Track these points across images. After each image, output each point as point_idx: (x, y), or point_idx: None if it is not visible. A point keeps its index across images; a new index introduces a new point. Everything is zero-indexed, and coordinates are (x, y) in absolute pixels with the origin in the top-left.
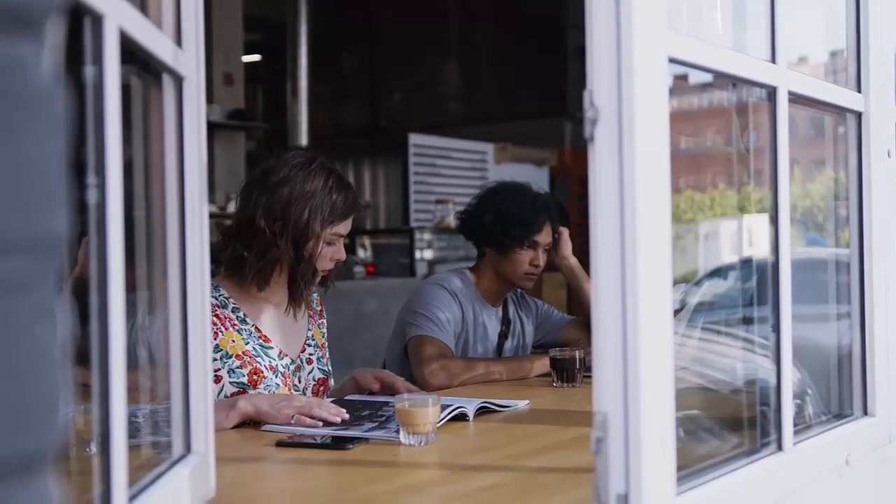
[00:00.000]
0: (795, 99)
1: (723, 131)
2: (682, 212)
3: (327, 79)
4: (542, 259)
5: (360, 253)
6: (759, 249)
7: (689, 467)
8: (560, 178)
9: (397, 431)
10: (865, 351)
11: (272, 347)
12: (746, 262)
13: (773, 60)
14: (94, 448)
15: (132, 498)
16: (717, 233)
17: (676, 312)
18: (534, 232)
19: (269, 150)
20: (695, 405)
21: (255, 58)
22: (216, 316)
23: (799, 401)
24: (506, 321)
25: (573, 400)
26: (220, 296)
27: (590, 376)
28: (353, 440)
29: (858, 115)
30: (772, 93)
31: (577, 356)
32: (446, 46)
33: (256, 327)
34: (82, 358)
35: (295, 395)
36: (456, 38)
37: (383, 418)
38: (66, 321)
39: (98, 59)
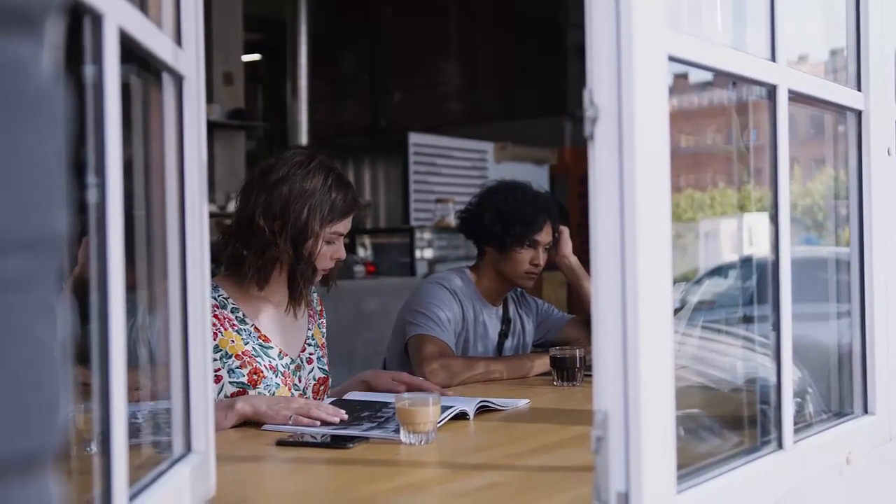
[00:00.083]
0: (795, 97)
1: (723, 130)
2: (682, 210)
3: (327, 78)
4: (542, 258)
5: (361, 252)
6: (760, 248)
7: (690, 466)
8: (560, 178)
9: (396, 431)
10: (866, 349)
11: (272, 347)
12: (746, 261)
13: (773, 59)
14: (94, 447)
15: (133, 497)
16: (718, 231)
17: (677, 311)
18: (534, 231)
19: (269, 149)
20: (695, 404)
21: (255, 57)
22: (215, 316)
23: (799, 399)
24: (506, 320)
25: (573, 399)
26: (219, 296)
27: (590, 375)
28: (353, 439)
29: (858, 114)
30: (772, 91)
31: (578, 355)
32: (446, 46)
33: (256, 327)
34: (83, 357)
35: (293, 397)
36: (456, 37)
37: (382, 419)
38: (66, 320)
39: (98, 59)
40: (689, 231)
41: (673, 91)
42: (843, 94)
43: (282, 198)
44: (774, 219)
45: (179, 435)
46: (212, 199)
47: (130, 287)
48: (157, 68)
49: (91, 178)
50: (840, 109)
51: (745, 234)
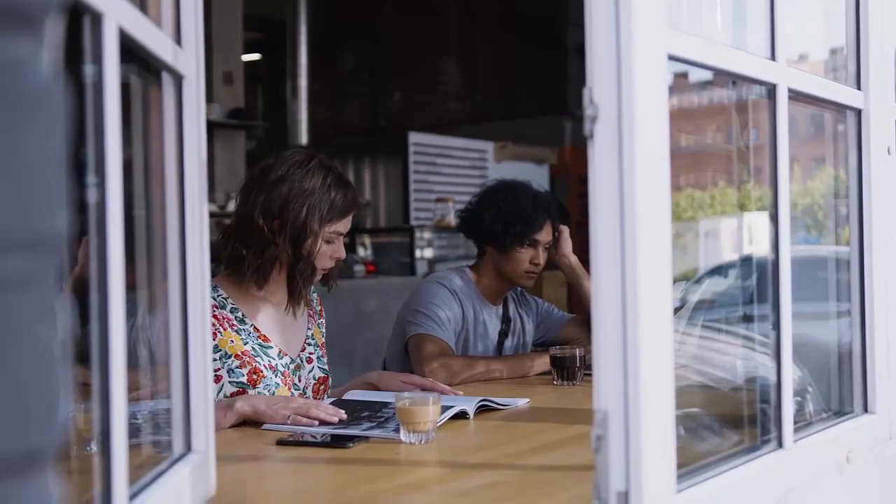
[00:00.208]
0: (795, 96)
1: (723, 129)
2: (682, 210)
3: (327, 78)
4: (542, 257)
5: (361, 252)
6: (760, 247)
7: (690, 465)
8: (560, 177)
9: (396, 431)
10: (865, 348)
11: (271, 347)
12: (746, 260)
13: (773, 58)
14: (94, 447)
15: (133, 496)
16: (718, 231)
17: (677, 310)
18: (534, 230)
19: (269, 149)
20: (695, 403)
21: (255, 57)
22: (214, 317)
23: (799, 398)
24: (506, 319)
25: (573, 398)
26: (218, 296)
27: (590, 374)
28: (353, 439)
29: (858, 112)
30: (771, 90)
31: (578, 354)
32: (446, 45)
33: (255, 327)
34: (83, 357)
35: (292, 397)
36: (456, 37)
37: (382, 419)
38: (66, 320)
39: (97, 58)
40: (689, 230)
41: (673, 90)
42: (842, 93)
43: (281, 197)
44: (774, 218)
45: (179, 434)
46: (212, 199)
47: (130, 287)
48: (157, 68)
49: (91, 178)
50: (840, 108)
51: (745, 234)
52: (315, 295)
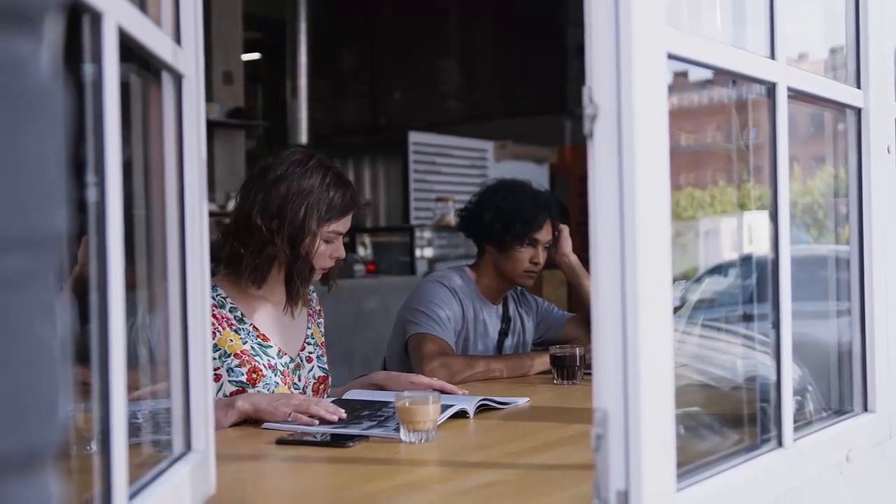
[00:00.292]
0: (795, 95)
1: (723, 128)
2: (682, 209)
3: (327, 77)
4: (542, 256)
5: (361, 251)
6: (759, 246)
7: (690, 464)
8: (560, 176)
9: (396, 430)
10: (865, 347)
11: (271, 346)
12: (746, 259)
13: (773, 56)
14: (94, 446)
15: (132, 496)
16: (718, 230)
17: (676, 309)
18: (534, 229)
19: (269, 148)
20: (695, 402)
21: (255, 56)
22: (213, 316)
23: (799, 397)
24: (506, 319)
25: (573, 397)
26: (217, 296)
27: (590, 373)
28: (353, 438)
29: (858, 112)
30: (771, 89)
31: (578, 353)
32: (446, 45)
33: (254, 326)
34: (83, 357)
35: (293, 394)
36: (456, 36)
37: (382, 418)
38: (66, 319)
39: (97, 57)
40: (689, 229)
41: (672, 89)
42: (842, 92)
43: (279, 196)
44: (774, 217)
45: (179, 434)
46: (212, 199)
47: (130, 286)
48: (157, 67)
49: (90, 177)
50: (840, 107)
51: (745, 233)
52: (314, 294)
